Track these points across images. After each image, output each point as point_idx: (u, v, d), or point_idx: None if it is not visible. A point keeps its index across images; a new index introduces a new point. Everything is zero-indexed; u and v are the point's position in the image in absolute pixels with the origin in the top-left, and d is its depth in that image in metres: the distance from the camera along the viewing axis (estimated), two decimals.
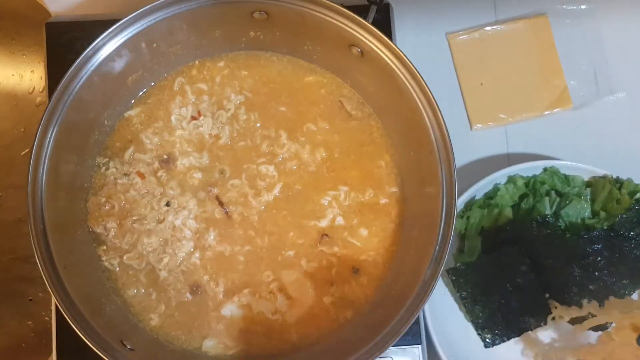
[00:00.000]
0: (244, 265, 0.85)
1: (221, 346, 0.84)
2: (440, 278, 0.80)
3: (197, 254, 0.85)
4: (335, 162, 0.88)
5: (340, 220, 0.86)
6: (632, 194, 0.88)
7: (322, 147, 0.88)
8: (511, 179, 0.92)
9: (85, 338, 0.72)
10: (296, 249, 0.86)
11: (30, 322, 0.97)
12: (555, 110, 0.99)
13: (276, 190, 0.87)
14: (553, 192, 0.91)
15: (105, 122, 0.86)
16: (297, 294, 0.85)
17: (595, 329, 0.90)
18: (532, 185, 0.92)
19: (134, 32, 0.77)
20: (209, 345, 0.84)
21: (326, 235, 0.86)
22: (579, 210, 0.90)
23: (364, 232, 0.86)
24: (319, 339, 0.84)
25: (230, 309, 0.84)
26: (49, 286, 0.73)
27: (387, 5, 0.93)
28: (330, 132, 0.89)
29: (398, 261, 0.85)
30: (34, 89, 1.01)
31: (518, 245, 0.88)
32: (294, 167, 0.87)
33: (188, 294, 0.84)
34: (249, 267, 0.85)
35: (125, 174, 0.86)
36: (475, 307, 0.90)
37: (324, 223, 0.86)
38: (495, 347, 0.90)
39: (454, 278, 0.90)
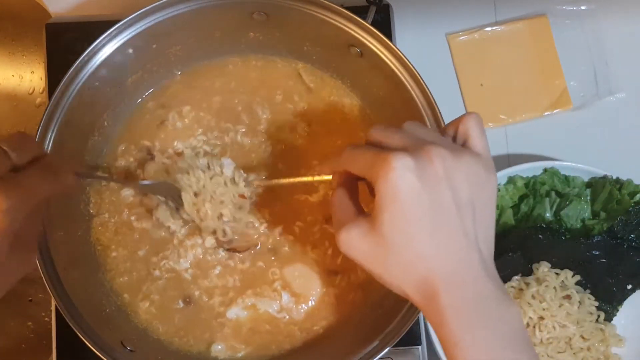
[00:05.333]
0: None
1: (229, 349, 0.83)
2: None
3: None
4: None
5: None
6: (632, 194, 0.88)
7: None
8: (511, 180, 0.92)
9: (85, 339, 0.72)
10: (298, 238, 0.85)
11: (30, 323, 0.97)
12: (555, 111, 0.99)
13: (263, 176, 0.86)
14: (553, 193, 0.91)
15: (105, 124, 0.86)
16: (301, 289, 0.84)
17: None
18: (532, 186, 0.92)
19: (134, 33, 0.77)
20: (218, 349, 0.83)
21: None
22: (579, 211, 0.90)
23: None
24: (325, 336, 0.83)
25: (235, 312, 0.84)
26: (49, 288, 0.73)
27: (387, 6, 0.93)
28: None
29: None
30: (34, 89, 1.01)
31: (520, 252, 0.88)
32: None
33: (191, 297, 0.84)
34: (250, 267, 0.85)
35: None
36: None
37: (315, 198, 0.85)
38: None
39: None
